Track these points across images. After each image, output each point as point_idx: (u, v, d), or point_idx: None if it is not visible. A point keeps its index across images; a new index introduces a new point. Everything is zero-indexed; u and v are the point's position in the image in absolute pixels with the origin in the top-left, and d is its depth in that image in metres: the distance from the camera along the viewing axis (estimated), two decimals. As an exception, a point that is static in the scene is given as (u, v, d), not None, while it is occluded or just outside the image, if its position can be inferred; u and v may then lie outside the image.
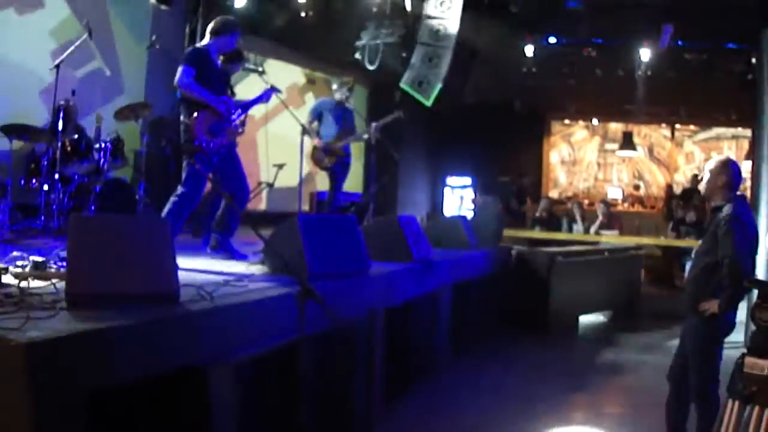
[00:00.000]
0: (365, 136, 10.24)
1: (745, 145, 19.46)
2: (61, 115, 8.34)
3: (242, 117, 6.91)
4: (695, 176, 16.91)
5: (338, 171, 10.18)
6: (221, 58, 7.00)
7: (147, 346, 3.30)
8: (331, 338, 5.18)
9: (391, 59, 13.91)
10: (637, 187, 20.02)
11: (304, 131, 9.13)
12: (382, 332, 6.22)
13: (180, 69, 6.47)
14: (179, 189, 6.55)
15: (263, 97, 7.22)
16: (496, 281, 10.18)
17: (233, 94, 7.07)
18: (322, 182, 10.11)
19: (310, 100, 10.35)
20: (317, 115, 10.16)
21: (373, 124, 10.05)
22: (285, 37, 13.67)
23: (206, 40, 6.87)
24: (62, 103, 8.50)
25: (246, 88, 8.05)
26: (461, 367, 8.29)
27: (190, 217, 6.85)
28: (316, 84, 15.48)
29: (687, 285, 5.76)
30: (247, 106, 7.04)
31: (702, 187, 5.69)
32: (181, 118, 6.64)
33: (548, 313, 10.39)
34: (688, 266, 6.43)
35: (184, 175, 6.62)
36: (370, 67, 13.83)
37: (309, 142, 9.76)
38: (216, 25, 6.88)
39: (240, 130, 6.88)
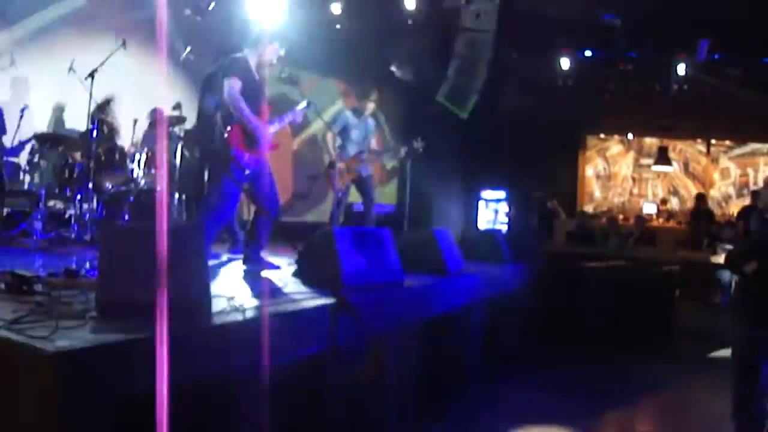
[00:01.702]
0: (394, 155, 10.15)
1: (781, 160, 19.27)
2: (96, 124, 8.36)
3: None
4: (755, 192, 16.64)
5: (363, 186, 10.00)
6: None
7: (177, 357, 3.24)
8: (363, 351, 5.11)
9: (427, 71, 13.88)
10: (664, 202, 19.79)
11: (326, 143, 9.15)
12: (415, 346, 6.15)
13: (227, 82, 6.43)
14: (212, 200, 6.52)
15: (296, 113, 7.15)
16: (530, 296, 10.05)
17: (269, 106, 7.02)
18: (357, 194, 9.94)
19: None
20: (341, 126, 9.92)
21: (402, 149, 10.01)
22: (318, 48, 13.68)
23: (245, 51, 6.83)
24: (97, 112, 8.53)
25: (281, 98, 8.04)
26: (494, 383, 8.18)
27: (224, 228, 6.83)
28: (349, 96, 15.47)
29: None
30: (281, 122, 6.99)
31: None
32: (217, 128, 6.61)
33: (582, 329, 10.26)
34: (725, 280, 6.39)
35: (218, 187, 6.59)
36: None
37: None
38: (256, 36, 6.86)
39: (276, 144, 6.84)
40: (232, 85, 6.39)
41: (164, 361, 3.05)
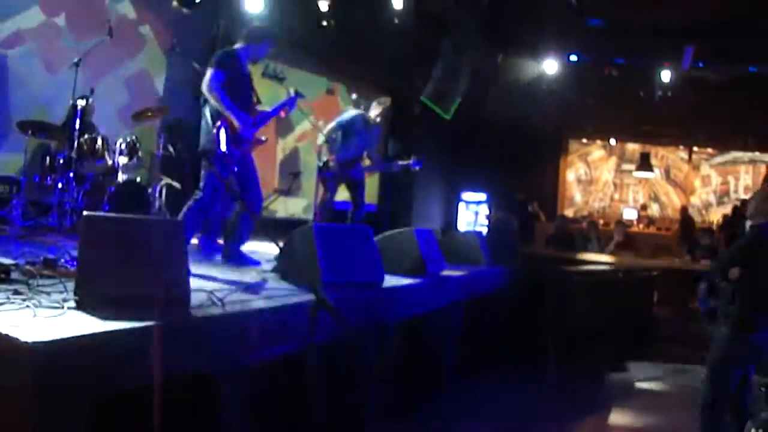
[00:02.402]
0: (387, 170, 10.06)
1: (763, 169, 19.44)
2: (78, 113, 8.33)
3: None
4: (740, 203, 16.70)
5: (354, 189, 9.81)
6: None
7: (155, 351, 3.24)
8: (341, 348, 5.11)
9: (412, 71, 13.89)
10: (645, 207, 19.89)
11: (326, 143, 9.01)
12: (393, 345, 6.15)
13: (209, 72, 6.40)
14: (196, 194, 6.50)
15: (287, 104, 7.11)
16: (509, 299, 10.08)
17: (259, 101, 6.99)
18: (342, 192, 9.79)
19: (329, 110, 10.10)
20: (343, 129, 9.54)
21: (394, 164, 9.98)
22: (305, 45, 13.66)
23: (237, 45, 6.81)
24: (80, 101, 8.49)
25: (267, 95, 8.00)
26: (470, 385, 8.21)
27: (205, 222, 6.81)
28: (335, 94, 15.44)
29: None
30: (270, 114, 6.97)
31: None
32: (203, 122, 6.58)
33: (560, 333, 10.28)
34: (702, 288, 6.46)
35: (202, 181, 6.57)
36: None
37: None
38: (250, 31, 6.84)
39: (264, 139, 6.82)
40: (212, 76, 6.37)
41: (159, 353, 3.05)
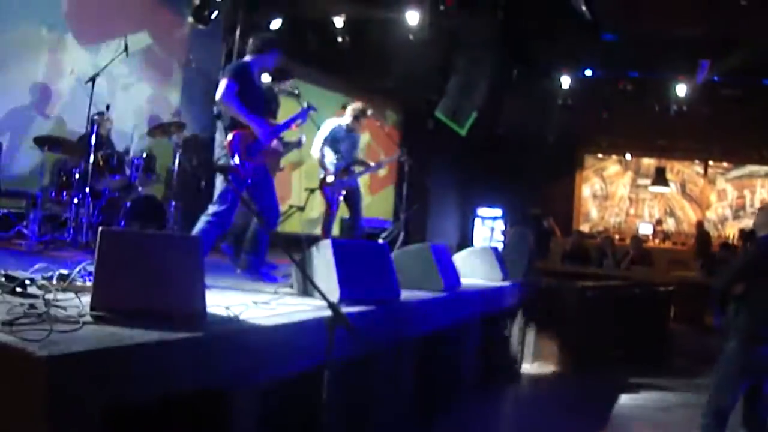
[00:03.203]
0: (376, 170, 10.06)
1: (778, 183, 19.33)
2: (95, 129, 8.36)
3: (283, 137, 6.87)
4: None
5: (351, 198, 9.76)
6: (268, 76, 6.94)
7: (170, 365, 3.22)
8: (357, 364, 5.08)
9: (427, 87, 13.89)
10: (660, 222, 19.81)
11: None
12: (410, 361, 6.12)
13: (223, 83, 6.39)
14: (211, 208, 6.49)
15: (299, 117, 7.15)
16: (525, 314, 10.04)
17: (275, 116, 6.99)
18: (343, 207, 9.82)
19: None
20: (331, 138, 9.56)
21: (377, 164, 10.02)
22: (320, 61, 13.69)
23: (247, 57, 6.83)
24: (96, 117, 8.53)
25: (281, 110, 8.01)
26: (488, 399, 8.17)
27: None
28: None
29: None
30: (283, 127, 6.98)
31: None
32: (217, 135, 6.58)
33: (577, 348, 10.24)
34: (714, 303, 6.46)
35: (217, 195, 6.56)
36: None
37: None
38: (257, 42, 6.85)
39: (282, 151, 6.83)
40: (226, 86, 6.37)
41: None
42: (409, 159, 10.12)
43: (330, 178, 9.35)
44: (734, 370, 5.62)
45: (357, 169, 9.73)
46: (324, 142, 9.48)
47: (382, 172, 9.89)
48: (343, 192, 9.58)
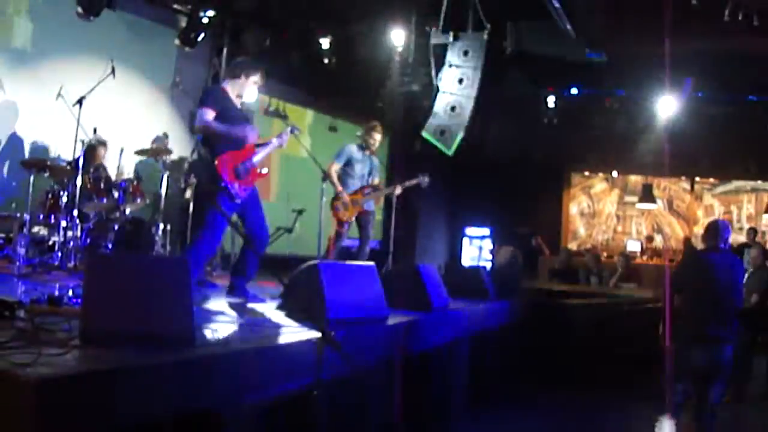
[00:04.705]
0: (392, 193, 10.01)
1: (765, 198, 19.40)
2: (83, 152, 8.37)
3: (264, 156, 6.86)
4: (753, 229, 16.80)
5: (363, 221, 9.81)
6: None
7: (159, 388, 3.22)
8: (347, 385, 5.08)
9: (413, 107, 13.91)
10: (650, 239, 19.85)
11: (325, 177, 8.96)
12: (399, 381, 6.11)
13: (198, 112, 6.45)
14: (199, 231, 6.49)
15: (279, 140, 7.13)
16: (514, 333, 10.04)
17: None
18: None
19: (332, 148, 10.07)
20: (345, 160, 9.69)
21: (398, 186, 9.93)
22: (306, 82, 13.71)
23: (223, 83, 6.86)
24: (84, 139, 8.53)
25: (269, 131, 8.04)
26: (477, 420, 8.16)
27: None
28: (338, 132, 15.47)
29: None
30: (261, 149, 6.96)
31: None
32: (202, 158, 6.59)
33: (566, 366, 10.23)
34: None
35: (205, 217, 6.56)
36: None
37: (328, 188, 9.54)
38: (231, 67, 6.89)
39: (265, 171, 6.83)
40: (202, 114, 6.39)
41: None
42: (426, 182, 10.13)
43: (342, 198, 9.38)
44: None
45: (371, 192, 9.74)
46: (338, 160, 9.62)
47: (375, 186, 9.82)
48: (356, 213, 9.59)
